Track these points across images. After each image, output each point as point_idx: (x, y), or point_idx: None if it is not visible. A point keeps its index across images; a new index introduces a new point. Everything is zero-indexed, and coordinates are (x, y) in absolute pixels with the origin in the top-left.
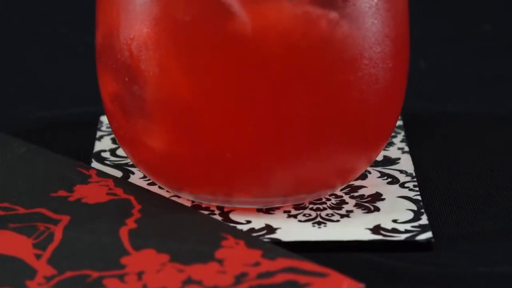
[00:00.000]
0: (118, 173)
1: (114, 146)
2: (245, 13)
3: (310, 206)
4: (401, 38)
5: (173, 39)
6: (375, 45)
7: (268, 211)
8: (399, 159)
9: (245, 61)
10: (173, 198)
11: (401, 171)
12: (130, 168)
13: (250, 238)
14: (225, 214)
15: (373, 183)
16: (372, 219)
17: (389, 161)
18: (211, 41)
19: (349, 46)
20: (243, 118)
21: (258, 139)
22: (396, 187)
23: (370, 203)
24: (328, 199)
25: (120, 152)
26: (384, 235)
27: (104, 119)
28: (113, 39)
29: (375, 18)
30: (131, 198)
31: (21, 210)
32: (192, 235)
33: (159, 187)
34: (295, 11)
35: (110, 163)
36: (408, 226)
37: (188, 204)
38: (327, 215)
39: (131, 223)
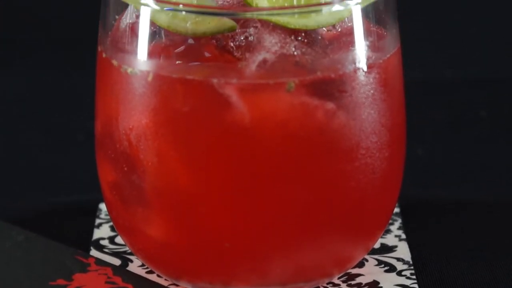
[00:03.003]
0: (116, 261)
1: (112, 233)
2: (243, 103)
3: None
4: (398, 127)
5: (172, 129)
6: (371, 135)
7: None
8: (396, 246)
9: (243, 151)
10: (171, 287)
11: (398, 259)
12: (129, 256)
13: None
14: None
15: (370, 271)
16: None
17: (386, 249)
18: (210, 131)
19: (346, 136)
20: (242, 208)
21: (257, 229)
22: (393, 275)
23: None
24: (326, 287)
25: (119, 240)
26: None
27: (103, 206)
28: (112, 129)
29: (371, 108)
30: (130, 286)
31: None
32: None
33: (158, 275)
34: (292, 102)
35: (109, 251)
36: None
37: None
38: None
39: None
